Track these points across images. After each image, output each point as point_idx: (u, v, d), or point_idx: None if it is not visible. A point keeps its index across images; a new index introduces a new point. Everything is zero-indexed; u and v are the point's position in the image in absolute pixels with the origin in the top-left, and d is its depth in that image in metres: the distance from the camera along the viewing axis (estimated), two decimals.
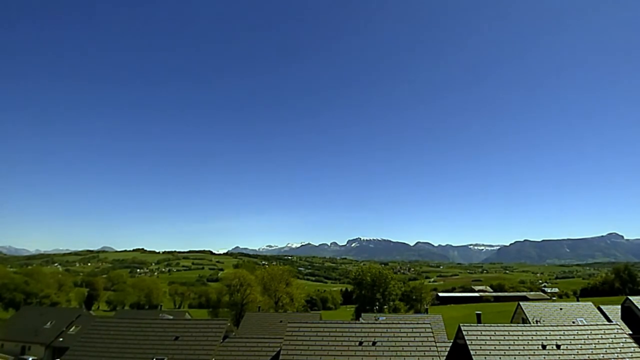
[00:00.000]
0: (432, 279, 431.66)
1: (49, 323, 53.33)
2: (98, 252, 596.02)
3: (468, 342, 27.54)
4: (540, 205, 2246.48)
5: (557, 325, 30.34)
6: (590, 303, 55.53)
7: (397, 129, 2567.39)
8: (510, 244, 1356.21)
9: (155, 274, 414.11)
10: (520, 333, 28.41)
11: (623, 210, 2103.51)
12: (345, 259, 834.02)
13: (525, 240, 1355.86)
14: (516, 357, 26.07)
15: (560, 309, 51.61)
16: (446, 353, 29.68)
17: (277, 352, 29.79)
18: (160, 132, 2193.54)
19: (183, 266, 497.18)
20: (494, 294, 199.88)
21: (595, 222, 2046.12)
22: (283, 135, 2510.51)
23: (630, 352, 26.50)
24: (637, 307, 49.27)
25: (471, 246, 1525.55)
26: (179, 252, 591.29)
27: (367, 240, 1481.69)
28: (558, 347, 26.70)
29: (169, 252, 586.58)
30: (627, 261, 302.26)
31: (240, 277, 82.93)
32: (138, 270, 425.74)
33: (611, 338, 27.77)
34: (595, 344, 27.07)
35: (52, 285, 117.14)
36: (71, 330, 51.43)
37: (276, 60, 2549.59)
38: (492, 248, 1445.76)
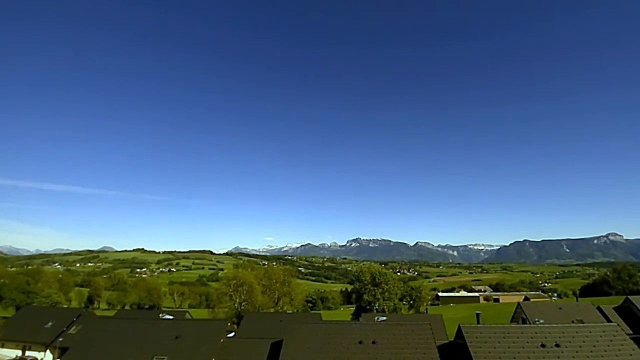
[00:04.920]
0: (432, 279, 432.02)
1: (49, 323, 53.26)
2: (98, 252, 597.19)
3: (468, 342, 27.68)
4: (540, 205, 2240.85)
5: (557, 325, 30.50)
6: (590, 303, 55.71)
7: (396, 128, 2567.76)
8: (510, 244, 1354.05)
9: (156, 273, 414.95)
10: (519, 332, 28.58)
11: (622, 210, 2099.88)
12: (345, 258, 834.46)
13: (525, 240, 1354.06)
14: (515, 356, 26.22)
15: (560, 308, 51.73)
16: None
17: (277, 352, 29.91)
18: (160, 131, 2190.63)
19: (183, 266, 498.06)
20: (494, 294, 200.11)
21: (594, 222, 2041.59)
22: (283, 135, 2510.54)
23: (629, 352, 26.64)
24: (636, 307, 49.39)
25: (471, 246, 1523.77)
26: (179, 252, 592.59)
27: (367, 240, 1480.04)
28: (557, 346, 26.86)
29: (169, 252, 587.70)
30: (627, 261, 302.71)
31: (240, 277, 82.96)
32: (138, 270, 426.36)
33: (610, 337, 27.91)
34: (594, 343, 27.21)
35: (52, 285, 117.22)
36: (72, 330, 51.43)
37: (276, 59, 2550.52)
38: (492, 248, 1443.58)
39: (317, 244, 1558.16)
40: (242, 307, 77.66)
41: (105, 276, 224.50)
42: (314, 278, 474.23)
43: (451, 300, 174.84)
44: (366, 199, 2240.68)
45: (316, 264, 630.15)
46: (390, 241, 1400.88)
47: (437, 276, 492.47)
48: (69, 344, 39.13)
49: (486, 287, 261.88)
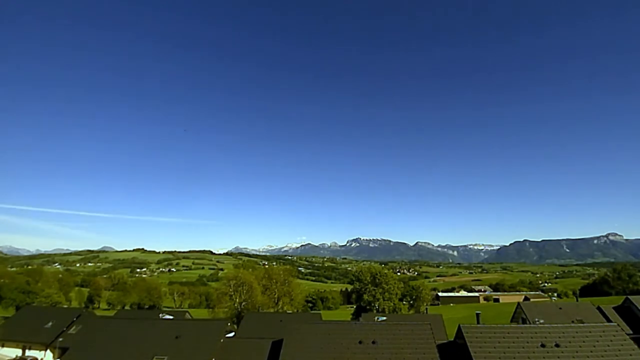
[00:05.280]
0: (432, 279, 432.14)
1: (49, 323, 53.23)
2: (98, 252, 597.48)
3: (468, 342, 27.68)
4: (540, 205, 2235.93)
5: (557, 325, 30.50)
6: (590, 303, 55.73)
7: (397, 128, 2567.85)
8: (510, 244, 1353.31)
9: (156, 273, 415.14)
10: (519, 332, 28.59)
11: (622, 210, 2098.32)
12: (345, 258, 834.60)
13: (525, 240, 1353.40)
14: (515, 356, 26.22)
15: (560, 308, 51.75)
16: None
17: (277, 352, 29.92)
18: (160, 131, 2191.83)
19: (183, 266, 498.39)
20: (494, 294, 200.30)
21: (594, 222, 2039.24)
22: (283, 135, 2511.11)
23: (629, 352, 26.64)
24: (636, 307, 49.38)
25: (471, 246, 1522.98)
26: (179, 252, 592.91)
27: (367, 240, 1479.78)
28: (557, 346, 26.86)
29: (169, 252, 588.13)
30: (627, 261, 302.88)
31: (240, 277, 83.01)
32: (138, 270, 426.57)
33: (610, 337, 27.91)
34: (594, 343, 27.21)
35: (53, 285, 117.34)
36: (72, 330, 51.42)
37: (275, 59, 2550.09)
38: (492, 248, 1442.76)
39: (317, 244, 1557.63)
40: (242, 307, 77.69)
41: (105, 276, 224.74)
42: (314, 278, 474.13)
43: (451, 300, 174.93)
44: (366, 199, 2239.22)
45: (316, 264, 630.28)
46: (390, 241, 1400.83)
47: (437, 276, 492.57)
48: (69, 344, 39.14)
49: (486, 287, 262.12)
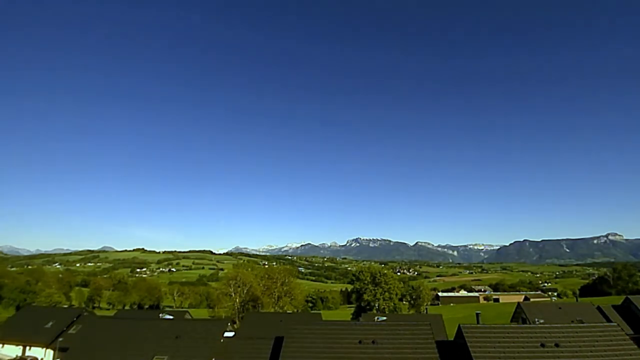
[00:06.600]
0: (432, 279, 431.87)
1: (49, 323, 53.11)
2: (98, 252, 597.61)
3: (468, 342, 27.67)
4: (540, 205, 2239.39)
5: (557, 325, 30.50)
6: (590, 303, 55.74)
7: (397, 128, 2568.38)
8: (510, 244, 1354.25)
9: (156, 273, 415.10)
10: (519, 332, 28.59)
11: (622, 210, 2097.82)
12: (345, 258, 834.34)
13: (524, 240, 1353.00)
14: (515, 356, 26.21)
15: (560, 308, 51.75)
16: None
17: (277, 352, 29.93)
18: (160, 131, 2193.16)
19: (183, 266, 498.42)
20: (494, 294, 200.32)
21: (594, 222, 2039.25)
22: (283, 135, 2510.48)
23: (629, 352, 26.63)
24: (636, 307, 49.39)
25: (471, 246, 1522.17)
26: (179, 252, 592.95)
27: (367, 239, 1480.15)
28: (557, 346, 26.85)
29: (169, 252, 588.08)
30: (627, 261, 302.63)
31: (240, 277, 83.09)
32: (138, 270, 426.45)
33: (610, 337, 27.90)
34: (594, 343, 27.20)
35: (53, 285, 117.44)
36: (72, 330, 51.36)
37: (276, 58, 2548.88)
38: (492, 248, 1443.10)
39: (317, 244, 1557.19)
40: (243, 307, 77.73)
41: (105, 276, 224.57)
42: (314, 278, 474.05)
43: (451, 300, 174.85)
44: (366, 199, 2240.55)
45: (316, 264, 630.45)
46: (390, 241, 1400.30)
47: (437, 276, 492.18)
48: (69, 344, 39.12)
49: (486, 287, 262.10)
